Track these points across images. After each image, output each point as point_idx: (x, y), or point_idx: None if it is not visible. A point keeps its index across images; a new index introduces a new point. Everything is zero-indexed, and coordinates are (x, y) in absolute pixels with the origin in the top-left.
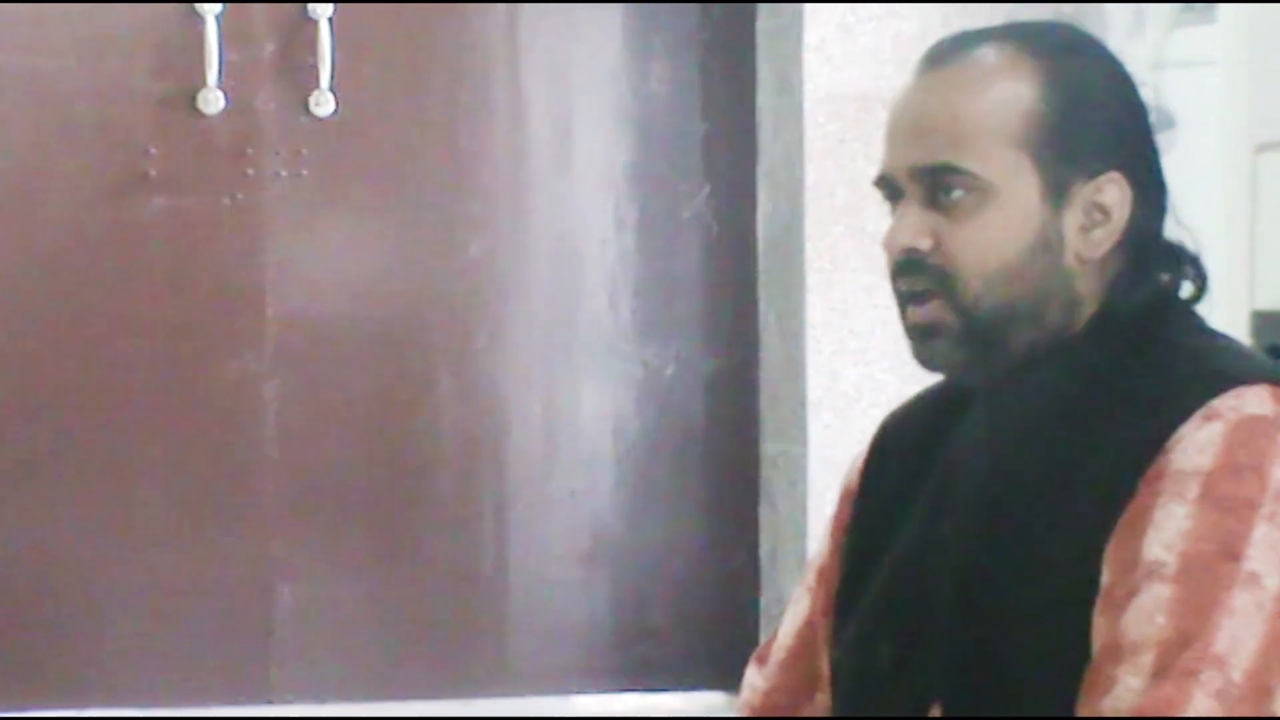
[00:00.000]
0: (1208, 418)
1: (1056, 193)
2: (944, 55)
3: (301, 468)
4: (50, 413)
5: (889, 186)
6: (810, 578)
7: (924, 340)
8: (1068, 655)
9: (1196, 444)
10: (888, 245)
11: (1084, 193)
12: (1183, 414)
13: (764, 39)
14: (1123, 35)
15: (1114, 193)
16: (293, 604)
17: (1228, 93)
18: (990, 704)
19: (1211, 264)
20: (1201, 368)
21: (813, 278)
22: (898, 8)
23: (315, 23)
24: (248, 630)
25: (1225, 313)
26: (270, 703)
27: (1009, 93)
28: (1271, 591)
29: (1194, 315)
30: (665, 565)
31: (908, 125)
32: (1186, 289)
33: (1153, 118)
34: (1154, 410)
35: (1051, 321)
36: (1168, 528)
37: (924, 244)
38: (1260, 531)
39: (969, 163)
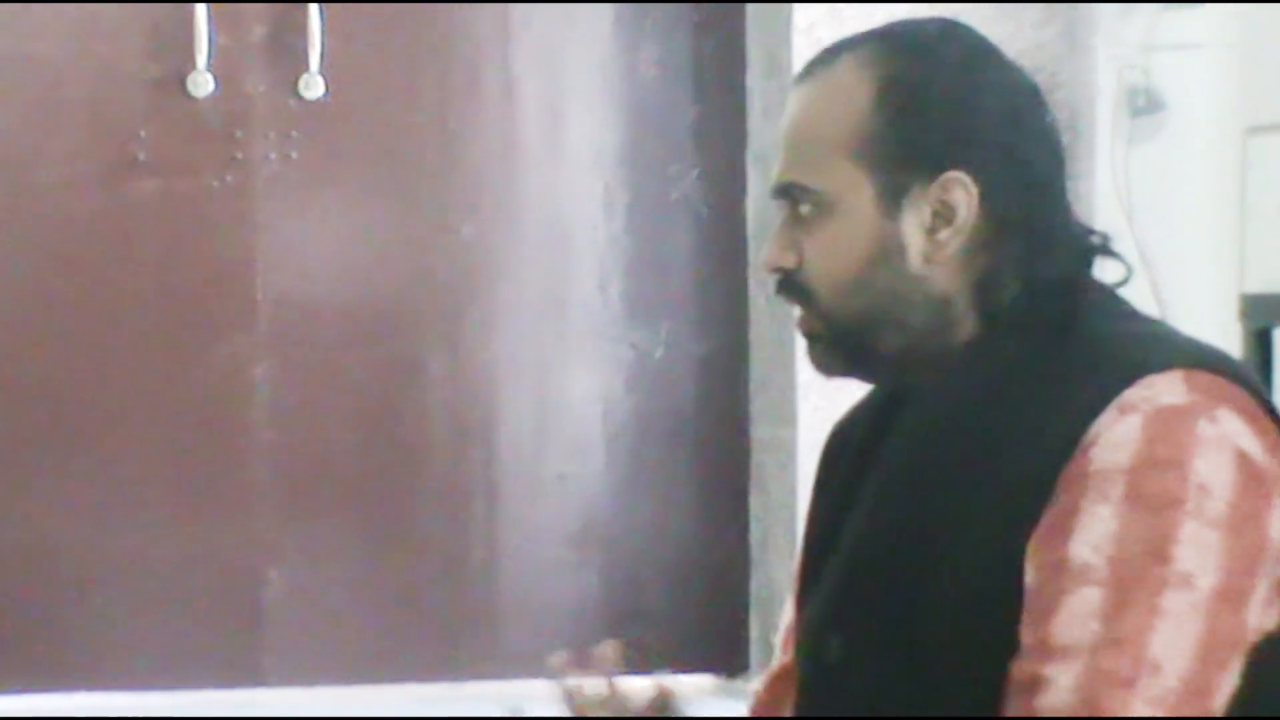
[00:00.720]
0: (1123, 410)
1: (892, 199)
2: (808, 68)
3: (292, 451)
4: (40, 396)
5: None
6: (794, 569)
7: (809, 349)
8: (988, 651)
9: (1114, 440)
10: (763, 265)
11: (926, 195)
12: (1096, 407)
13: (753, 22)
14: (1113, 18)
15: (957, 192)
16: (283, 587)
17: (1217, 76)
18: (920, 701)
19: (1201, 246)
20: (1112, 356)
21: None
22: None
23: (305, 6)
24: (238, 614)
25: (1214, 295)
26: (261, 686)
27: (842, 106)
28: (1204, 590)
29: (1108, 299)
30: (655, 548)
31: (780, 142)
32: (1109, 273)
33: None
34: (1066, 403)
35: (918, 324)
36: (1094, 529)
37: (789, 261)
38: (1188, 529)
39: (809, 179)
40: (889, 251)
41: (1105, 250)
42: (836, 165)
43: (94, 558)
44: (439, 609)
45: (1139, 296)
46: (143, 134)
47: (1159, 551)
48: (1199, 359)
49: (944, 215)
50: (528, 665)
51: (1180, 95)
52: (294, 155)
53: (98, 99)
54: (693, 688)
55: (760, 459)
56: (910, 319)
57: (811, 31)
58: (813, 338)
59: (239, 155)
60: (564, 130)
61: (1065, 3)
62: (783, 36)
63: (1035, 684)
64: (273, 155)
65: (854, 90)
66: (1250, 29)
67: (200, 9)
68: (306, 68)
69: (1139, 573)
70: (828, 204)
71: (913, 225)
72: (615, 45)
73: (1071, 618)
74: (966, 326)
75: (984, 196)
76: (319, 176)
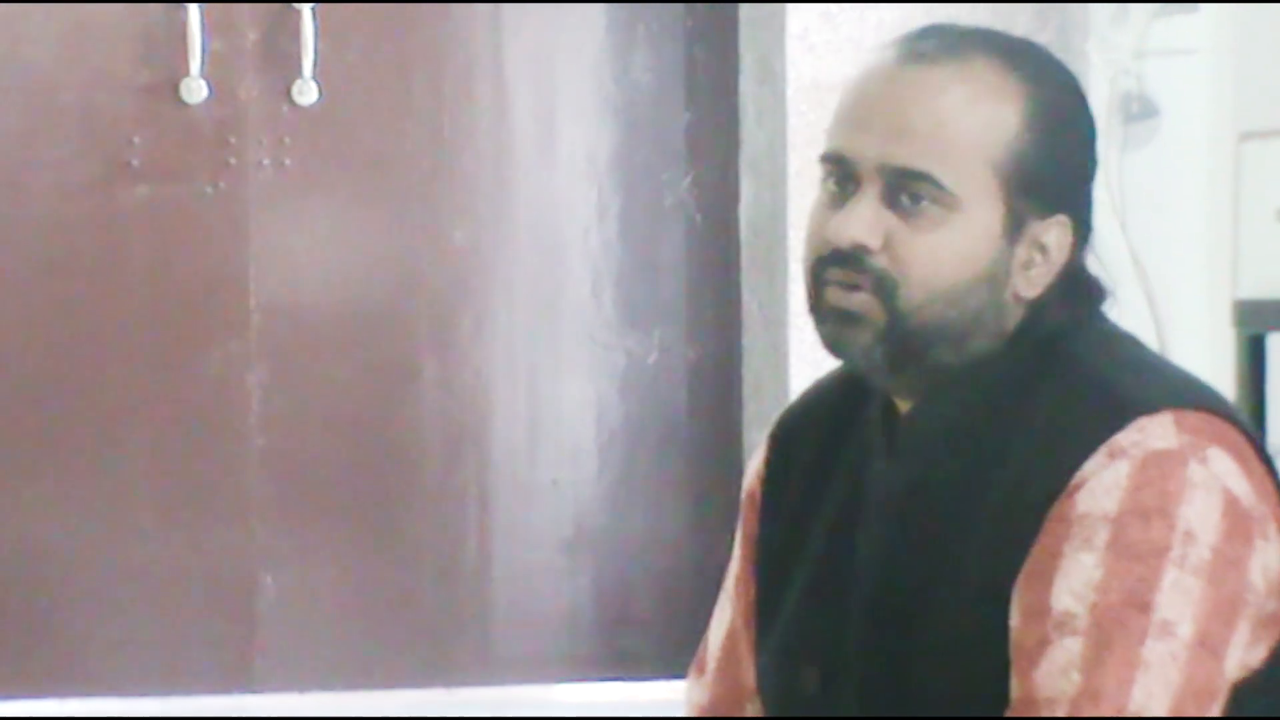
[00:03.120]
0: (1112, 455)
1: (1015, 226)
2: (930, 52)
3: (285, 456)
4: (33, 401)
5: (844, 168)
6: (729, 585)
7: (841, 325)
8: (976, 688)
9: (1103, 486)
10: (831, 231)
11: (1033, 230)
12: (1086, 449)
13: (747, 28)
14: (1106, 23)
15: (1057, 235)
16: (276, 592)
17: (1211, 81)
18: None
19: (1194, 252)
20: (1104, 395)
21: (795, 266)
22: None
23: (298, 11)
24: (231, 619)
25: (1208, 302)
26: (254, 691)
27: (996, 115)
28: (1184, 639)
29: (1098, 318)
30: (648, 554)
31: (884, 117)
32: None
33: (1133, 109)
34: (1057, 441)
35: (973, 349)
36: (1076, 576)
37: (875, 242)
38: (1170, 577)
39: (946, 176)
40: (997, 274)
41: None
42: (977, 171)
43: (87, 563)
44: (431, 614)
45: (1132, 303)
46: (135, 140)
47: (1140, 600)
48: (1190, 398)
49: (1039, 254)
50: (520, 670)
51: (1174, 101)
52: (287, 161)
53: (90, 104)
54: (684, 693)
55: None
56: (973, 342)
57: (805, 37)
58: (859, 320)
59: (232, 161)
60: (557, 136)
61: (1059, 3)
62: (776, 42)
63: None
64: (266, 161)
65: (1004, 99)
66: (1243, 34)
67: (194, 14)
68: (299, 74)
69: (1120, 622)
70: (954, 205)
71: (1019, 257)
72: (608, 51)
73: (1054, 668)
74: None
75: (1073, 246)
76: (312, 182)
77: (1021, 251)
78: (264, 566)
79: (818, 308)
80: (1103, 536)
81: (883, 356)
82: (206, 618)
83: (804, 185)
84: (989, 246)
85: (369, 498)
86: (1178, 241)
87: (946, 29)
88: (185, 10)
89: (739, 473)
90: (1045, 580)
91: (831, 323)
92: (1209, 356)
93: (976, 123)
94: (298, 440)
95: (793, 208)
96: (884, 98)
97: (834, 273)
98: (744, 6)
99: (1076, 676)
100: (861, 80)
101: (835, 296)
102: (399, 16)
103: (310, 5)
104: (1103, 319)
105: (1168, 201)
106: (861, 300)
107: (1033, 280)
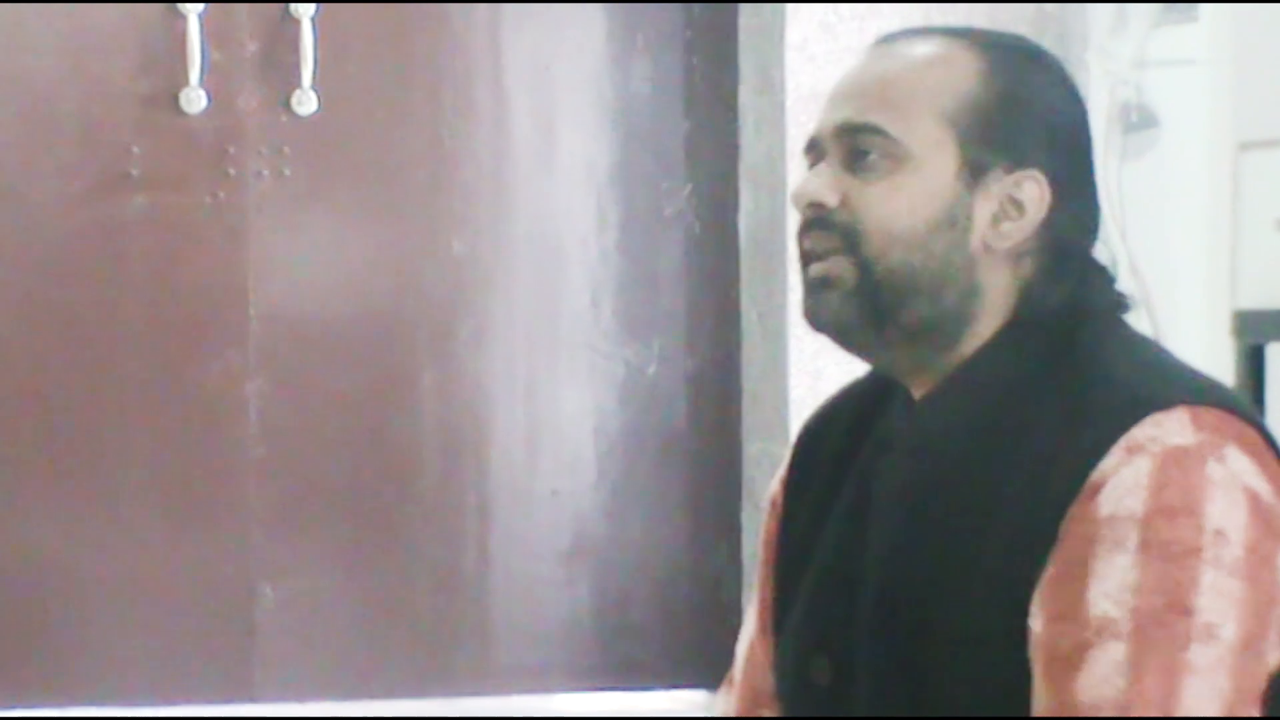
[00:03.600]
0: (1130, 451)
1: (972, 174)
2: (896, 36)
3: (284, 466)
4: (32, 411)
5: (815, 149)
6: (756, 598)
7: (817, 293)
8: (992, 684)
9: (1125, 485)
10: (796, 198)
11: (1002, 183)
12: (1102, 446)
13: (746, 37)
14: (1105, 34)
15: (1031, 190)
16: (275, 602)
17: (1210, 92)
18: None
19: (1193, 263)
20: (1118, 390)
21: (795, 276)
22: (879, 6)
23: (297, 21)
24: (231, 629)
25: (1207, 312)
26: (253, 701)
27: (947, 72)
28: (1228, 642)
29: (1115, 322)
30: (647, 563)
31: (845, 88)
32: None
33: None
34: (1072, 437)
35: (948, 303)
36: (1111, 579)
37: (831, 199)
38: (1208, 579)
39: (892, 126)
40: (956, 220)
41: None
42: (926, 121)
43: (86, 573)
44: (431, 624)
45: (1132, 313)
46: (135, 150)
47: (1181, 603)
48: (1204, 394)
49: (1013, 208)
50: (520, 680)
51: (1173, 111)
52: (286, 171)
53: (89, 114)
54: (684, 703)
55: (752, 474)
56: (945, 294)
57: (804, 47)
58: (831, 283)
59: (231, 171)
60: (556, 146)
61: (1059, 3)
62: (775, 52)
63: None
64: (265, 171)
65: (962, 61)
66: (1243, 44)
67: (193, 24)
68: (299, 84)
69: (1163, 626)
70: (904, 155)
71: (983, 206)
72: (607, 61)
73: (1097, 675)
74: (983, 327)
75: (1051, 205)
76: (311, 192)
77: (988, 203)
78: (263, 576)
79: (804, 285)
80: (1133, 538)
81: (856, 312)
82: (206, 627)
83: None
84: (945, 191)
85: (368, 507)
86: (1177, 251)
87: (922, 27)
88: (185, 20)
89: (738, 482)
90: (1077, 584)
91: (810, 295)
92: (1208, 366)
93: (926, 78)
94: (297, 450)
95: (792, 217)
96: (848, 76)
97: (807, 240)
98: (743, 16)
99: (1121, 682)
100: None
101: (812, 269)
102: (398, 27)
103: (309, 16)
104: (1117, 319)
105: (1167, 211)
106: (832, 264)
107: (1004, 233)
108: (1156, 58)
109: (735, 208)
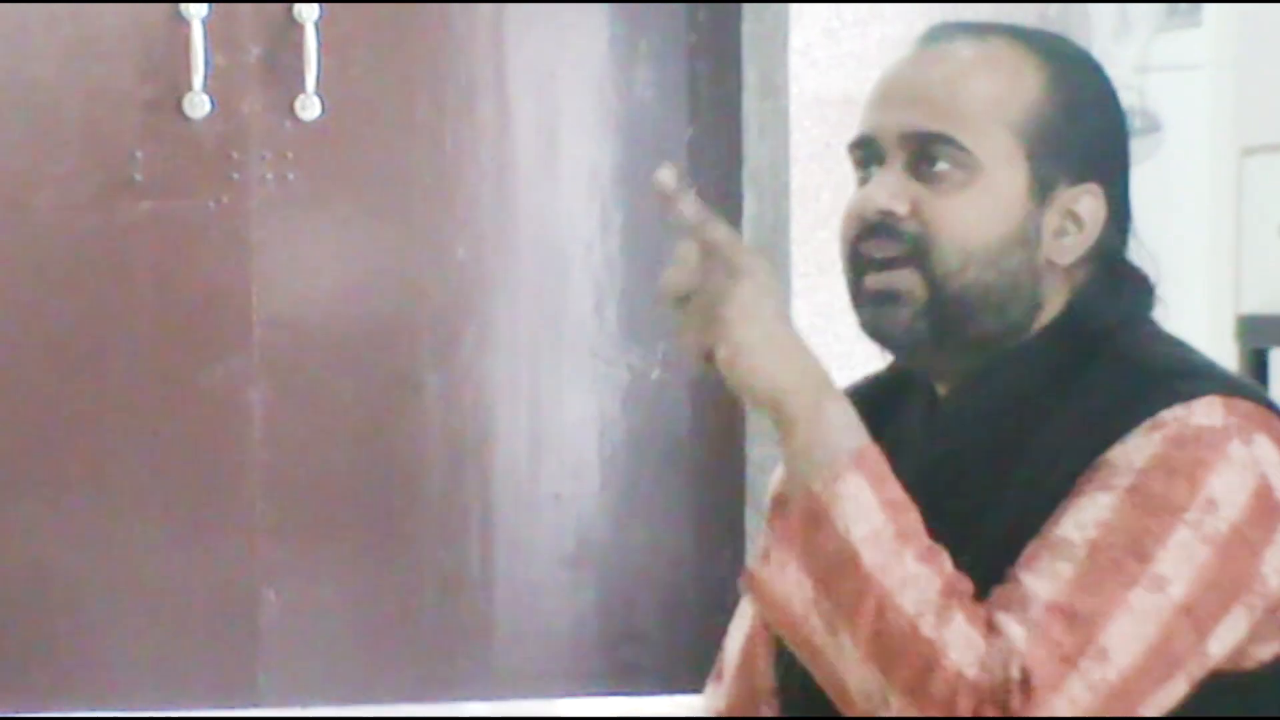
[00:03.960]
0: (1154, 428)
1: (1041, 189)
2: (948, 33)
3: (287, 472)
4: (36, 417)
5: (869, 148)
6: None
7: (882, 306)
8: None
9: (1136, 445)
10: (859, 206)
11: (1064, 198)
12: (1129, 426)
13: (749, 42)
14: (1108, 38)
15: (1089, 204)
16: (279, 607)
17: (1214, 96)
18: None
19: (1197, 267)
20: (1152, 380)
21: (798, 282)
22: (883, 11)
23: (301, 26)
24: (234, 634)
25: (1210, 316)
26: (257, 705)
27: (1015, 80)
28: (1174, 599)
29: (1151, 322)
30: (651, 568)
31: (903, 89)
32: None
33: (1136, 124)
34: (1101, 421)
35: (1012, 318)
36: (1087, 511)
37: (901, 208)
38: (1179, 536)
39: (965, 137)
40: (1028, 236)
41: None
42: (997, 134)
43: (90, 578)
44: (434, 629)
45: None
46: (138, 155)
47: (1139, 549)
48: (1239, 387)
49: (1073, 223)
50: (523, 685)
51: (1176, 116)
52: (290, 176)
53: (93, 120)
54: (687, 708)
55: (756, 478)
56: (1011, 310)
57: (807, 52)
58: (899, 298)
59: (235, 176)
60: (559, 151)
61: (1062, 4)
62: (778, 57)
63: (990, 628)
64: (269, 176)
65: (1023, 69)
66: (1246, 49)
67: (196, 29)
68: (302, 89)
69: (1114, 564)
70: (976, 167)
71: (1049, 223)
72: (611, 66)
73: (1039, 576)
74: (1031, 334)
75: (1105, 218)
76: (315, 198)
77: (1053, 218)
78: (267, 581)
79: (856, 294)
80: (1123, 483)
81: (927, 330)
82: (210, 632)
83: (806, 200)
84: (1017, 207)
85: (371, 512)
86: (1180, 257)
87: (969, 23)
88: (188, 25)
89: (742, 487)
90: (1059, 515)
91: (871, 306)
92: None
93: (994, 87)
94: (300, 455)
95: (795, 222)
96: (903, 75)
97: (868, 247)
98: (747, 21)
99: (1060, 590)
100: (885, 70)
101: (873, 280)
102: (401, 31)
103: (313, 20)
104: (1149, 319)
105: (1170, 216)
106: (900, 277)
107: (1066, 248)
108: (1160, 62)
109: (738, 213)
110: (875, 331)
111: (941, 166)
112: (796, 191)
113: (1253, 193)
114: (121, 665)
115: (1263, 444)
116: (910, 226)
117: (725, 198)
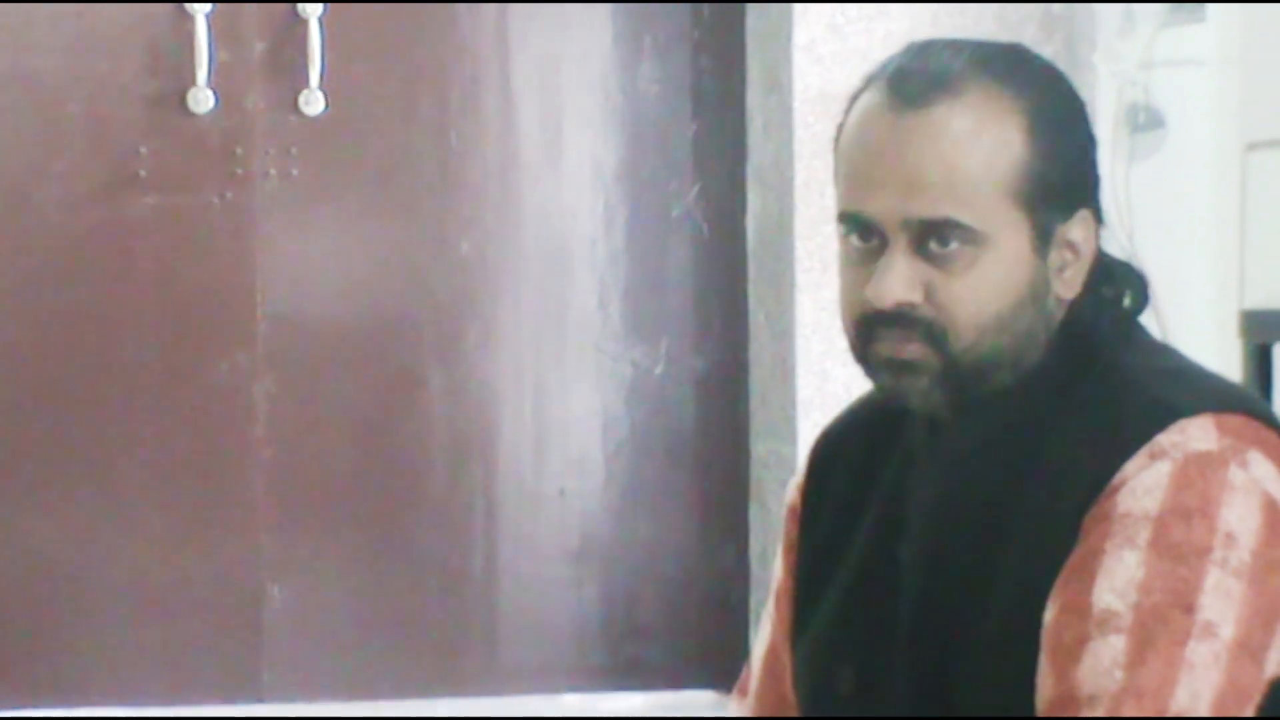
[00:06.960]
0: (1153, 456)
1: (1043, 239)
2: (923, 94)
3: (292, 467)
4: (40, 412)
5: (866, 229)
6: (771, 603)
7: (898, 374)
8: (1019, 689)
9: (1144, 486)
10: (872, 295)
11: (1060, 234)
12: (1126, 450)
13: (753, 39)
14: (1112, 35)
15: (1082, 230)
16: (283, 603)
17: (1217, 92)
18: None
19: (1201, 263)
20: (1144, 398)
21: (802, 277)
22: (887, 8)
23: (305, 22)
24: (239, 630)
25: (1214, 312)
26: (261, 701)
27: (1001, 139)
28: (1226, 640)
29: (1139, 329)
30: (655, 564)
31: (897, 173)
32: (1127, 301)
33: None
34: (1097, 443)
35: (1029, 362)
36: (1119, 575)
37: (917, 297)
38: (1212, 579)
39: (968, 217)
40: (1038, 292)
41: (1139, 280)
42: (997, 204)
43: (94, 573)
44: (438, 624)
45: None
46: (143, 150)
47: (1184, 601)
48: (1230, 402)
49: (1070, 253)
50: (527, 681)
51: (1180, 111)
52: (294, 172)
53: (98, 115)
54: (692, 703)
55: (760, 475)
56: (1027, 357)
57: (812, 48)
58: (914, 368)
59: (239, 171)
60: (563, 147)
61: (1067, 2)
62: (783, 53)
63: None
64: (273, 171)
65: (1005, 122)
66: (1250, 45)
67: (200, 24)
68: (307, 84)
69: (1164, 622)
70: (983, 241)
71: (1053, 264)
72: (615, 62)
73: (1096, 665)
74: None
75: (1096, 233)
76: (319, 193)
77: (1055, 258)
78: (271, 577)
79: (867, 358)
80: (1145, 535)
81: (943, 396)
82: (214, 628)
83: (811, 196)
84: (1025, 267)
85: (376, 508)
86: (1184, 252)
87: (930, 57)
88: (192, 20)
89: (746, 483)
90: (1086, 578)
91: (888, 373)
92: (1215, 366)
93: (984, 156)
94: (305, 451)
95: (800, 218)
96: (890, 153)
97: (883, 332)
98: (751, 18)
99: (1120, 674)
100: (861, 133)
101: (887, 349)
102: (406, 27)
103: (317, 16)
104: (1137, 325)
105: (1174, 212)
106: (915, 349)
107: (1069, 280)
108: (1164, 58)
109: (743, 209)
110: (893, 395)
111: (951, 246)
112: (800, 187)
113: (1257, 188)
114: (126, 661)
115: (1258, 462)
116: (925, 313)
117: (729, 194)
